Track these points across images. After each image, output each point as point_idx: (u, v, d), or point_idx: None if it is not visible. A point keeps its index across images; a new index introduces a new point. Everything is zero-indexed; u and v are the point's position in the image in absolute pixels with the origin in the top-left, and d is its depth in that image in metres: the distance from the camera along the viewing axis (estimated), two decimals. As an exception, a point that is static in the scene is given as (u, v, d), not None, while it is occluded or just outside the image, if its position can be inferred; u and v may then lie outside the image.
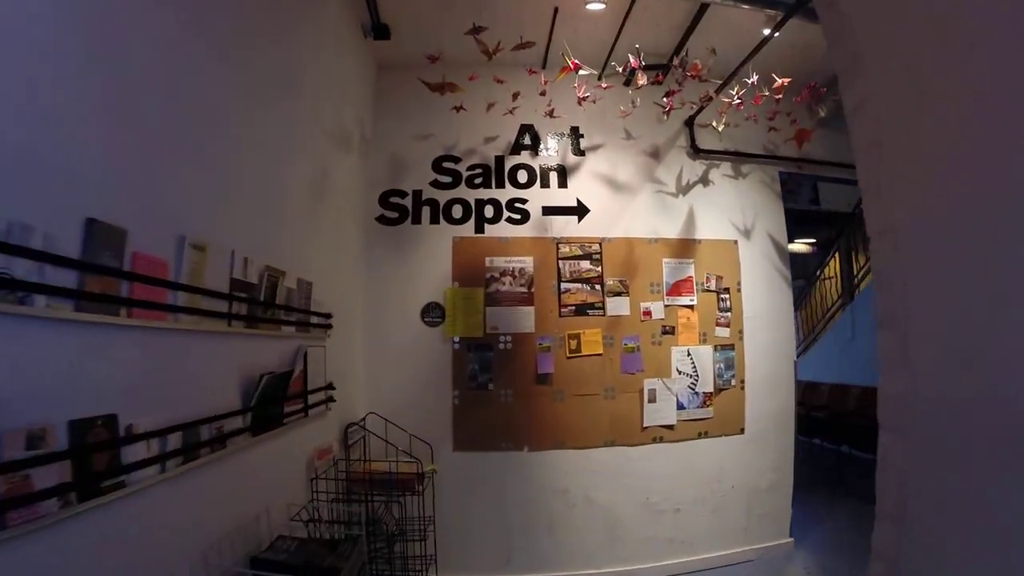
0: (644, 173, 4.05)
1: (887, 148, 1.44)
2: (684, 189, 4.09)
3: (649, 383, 3.75)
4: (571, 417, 3.65)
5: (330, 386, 2.77)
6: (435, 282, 3.72)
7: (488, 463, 3.60)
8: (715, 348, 3.90)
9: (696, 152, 4.15)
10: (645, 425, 3.73)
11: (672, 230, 3.98)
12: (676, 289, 3.89)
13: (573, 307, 3.74)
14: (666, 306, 3.86)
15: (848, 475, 6.59)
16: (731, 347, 3.94)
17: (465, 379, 3.62)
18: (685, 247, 3.97)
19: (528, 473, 3.62)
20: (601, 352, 3.72)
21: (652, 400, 3.74)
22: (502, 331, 3.67)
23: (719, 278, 3.99)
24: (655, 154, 4.10)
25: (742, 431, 3.91)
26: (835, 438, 7.32)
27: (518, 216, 3.84)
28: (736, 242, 4.09)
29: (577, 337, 3.71)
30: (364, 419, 3.27)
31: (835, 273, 9.15)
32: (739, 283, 4.03)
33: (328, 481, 2.60)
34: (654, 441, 3.74)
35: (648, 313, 3.82)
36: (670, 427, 3.77)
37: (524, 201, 3.87)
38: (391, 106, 3.92)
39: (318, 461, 2.63)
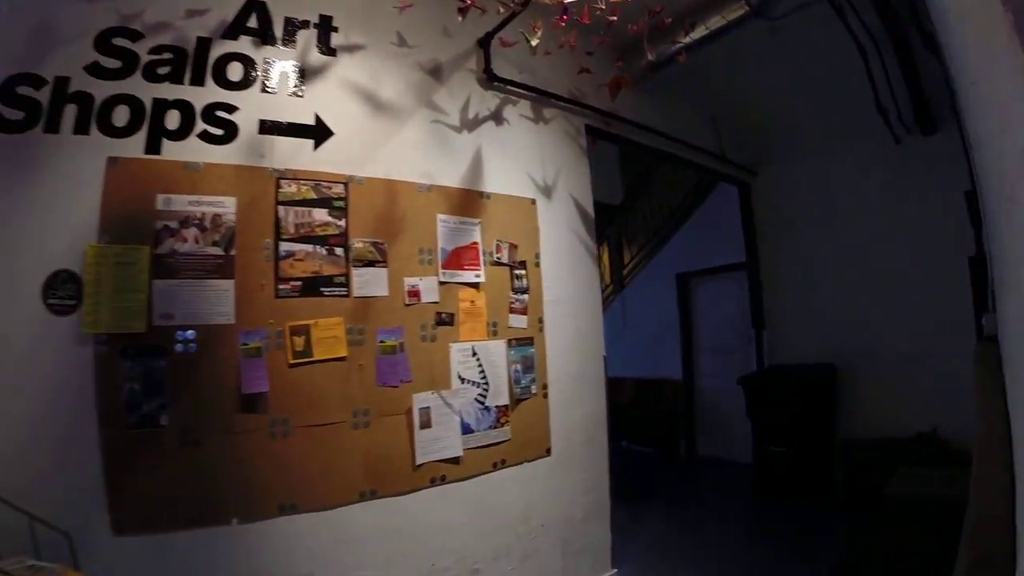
0: (419, 95, 3.05)
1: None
2: (472, 124, 3.21)
3: (420, 399, 2.76)
4: (303, 461, 2.47)
5: None
6: (68, 235, 2.20)
7: (177, 551, 2.22)
8: (509, 344, 3.09)
9: (490, 80, 3.31)
10: (419, 462, 2.72)
11: (453, 176, 3.06)
12: (456, 260, 2.98)
13: (300, 282, 2.54)
14: (442, 284, 2.91)
15: (635, 473, 6.48)
16: (529, 341, 3.18)
17: (120, 408, 2.17)
18: (470, 202, 3.08)
19: (244, 559, 2.34)
20: (345, 355, 2.59)
21: (426, 424, 2.77)
22: (180, 321, 2.31)
23: (513, 247, 3.19)
24: (436, 72, 3.14)
25: (548, 452, 3.20)
26: (612, 433, 7.18)
27: (220, 131, 2.49)
28: (534, 202, 3.36)
29: (306, 331, 2.53)
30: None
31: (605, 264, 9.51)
32: (538, 255, 3.30)
33: None
34: (434, 483, 2.77)
35: (416, 294, 2.83)
36: (455, 460, 2.84)
37: (232, 109, 2.53)
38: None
39: None
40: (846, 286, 5.50)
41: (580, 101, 3.75)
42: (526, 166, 3.38)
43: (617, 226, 8.87)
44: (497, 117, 3.33)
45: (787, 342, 5.87)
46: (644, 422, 6.98)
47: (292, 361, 2.48)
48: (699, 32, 3.70)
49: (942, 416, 4.91)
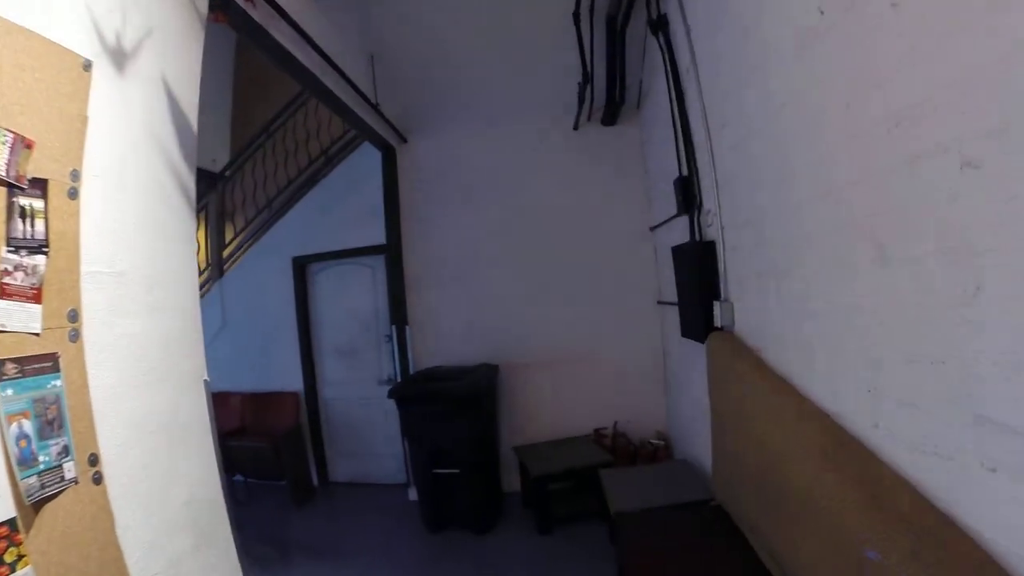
0: None
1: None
2: None
3: None
4: None
5: None
6: None
7: None
8: (1, 373, 1.36)
9: None
10: None
11: None
12: None
13: None
14: None
15: (262, 522, 4.90)
16: (48, 365, 1.46)
17: None
18: None
19: None
20: None
21: None
22: None
23: (22, 145, 1.41)
24: None
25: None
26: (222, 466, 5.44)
27: None
28: (90, 67, 1.64)
29: None
30: None
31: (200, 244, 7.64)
32: (77, 174, 1.59)
33: None
34: None
35: None
36: None
37: None
38: None
39: None
40: (509, 276, 5.00)
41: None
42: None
43: (219, 194, 7.01)
44: None
45: (437, 340, 5.11)
46: (261, 450, 5.36)
47: None
48: None
49: (617, 411, 4.76)
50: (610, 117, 4.82)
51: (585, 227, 4.88)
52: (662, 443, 4.55)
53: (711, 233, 3.21)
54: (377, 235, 5.25)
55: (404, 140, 5.18)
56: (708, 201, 3.22)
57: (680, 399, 4.31)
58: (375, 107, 4.29)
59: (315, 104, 5.98)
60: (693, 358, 3.72)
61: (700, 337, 3.26)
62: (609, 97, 4.50)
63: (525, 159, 5.00)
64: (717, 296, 3.13)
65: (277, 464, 5.26)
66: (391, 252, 5.18)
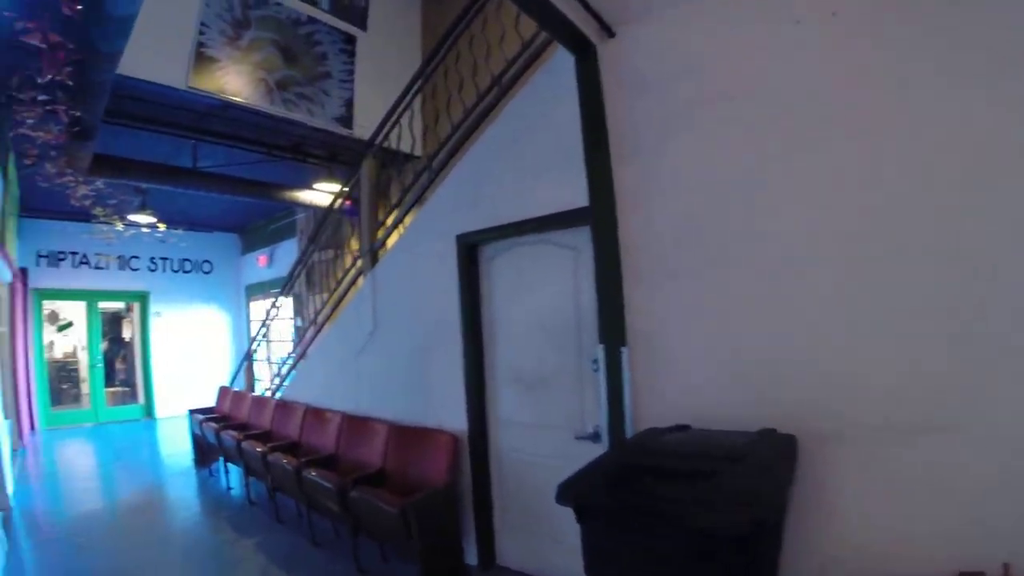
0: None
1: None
2: None
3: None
4: None
5: None
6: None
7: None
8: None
9: None
10: None
11: None
12: None
13: None
14: None
15: None
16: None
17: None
18: None
19: None
20: None
21: None
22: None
23: None
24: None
25: None
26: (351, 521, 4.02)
27: None
28: None
29: None
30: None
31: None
32: None
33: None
34: None
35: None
36: None
37: None
38: None
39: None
40: (813, 264, 2.64)
41: None
42: None
43: (376, 164, 5.63)
44: None
45: (678, 378, 2.88)
46: (386, 516, 3.61)
47: None
48: None
49: (998, 532, 2.37)
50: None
51: (970, 172, 2.44)
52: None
53: None
54: (579, 194, 3.33)
55: (610, 33, 3.14)
56: None
57: None
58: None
59: (482, 23, 4.30)
60: None
61: None
62: None
63: (840, 47, 2.67)
64: None
65: (406, 539, 3.55)
66: (598, 220, 3.19)
